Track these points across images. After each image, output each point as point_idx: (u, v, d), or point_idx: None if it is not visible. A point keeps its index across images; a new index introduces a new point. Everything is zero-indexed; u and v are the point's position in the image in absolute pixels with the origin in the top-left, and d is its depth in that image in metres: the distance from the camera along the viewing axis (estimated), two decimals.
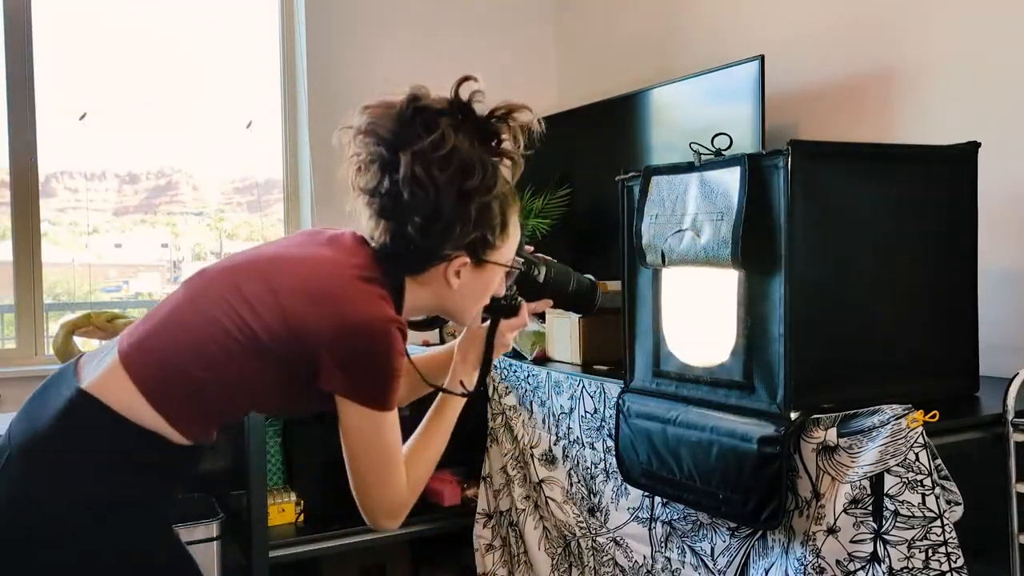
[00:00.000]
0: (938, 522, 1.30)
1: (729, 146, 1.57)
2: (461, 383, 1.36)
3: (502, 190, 1.23)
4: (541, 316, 2.41)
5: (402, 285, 1.26)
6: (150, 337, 1.21)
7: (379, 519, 1.25)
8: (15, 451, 1.18)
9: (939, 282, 1.62)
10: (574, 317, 2.25)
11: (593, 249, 2.87)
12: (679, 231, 1.60)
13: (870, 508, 1.33)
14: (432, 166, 1.16)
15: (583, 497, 2.09)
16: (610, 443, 1.94)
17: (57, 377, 1.28)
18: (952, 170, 1.63)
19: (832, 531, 1.37)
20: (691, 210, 1.59)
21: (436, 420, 1.34)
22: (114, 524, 1.17)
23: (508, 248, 1.30)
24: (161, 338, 1.20)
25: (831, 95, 2.34)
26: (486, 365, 1.37)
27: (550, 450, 2.23)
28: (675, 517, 1.77)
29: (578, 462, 2.11)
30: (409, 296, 1.27)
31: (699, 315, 1.64)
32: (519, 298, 1.38)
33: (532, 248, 1.41)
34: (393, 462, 1.23)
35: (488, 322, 1.37)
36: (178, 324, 1.21)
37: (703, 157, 1.59)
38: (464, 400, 1.36)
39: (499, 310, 1.36)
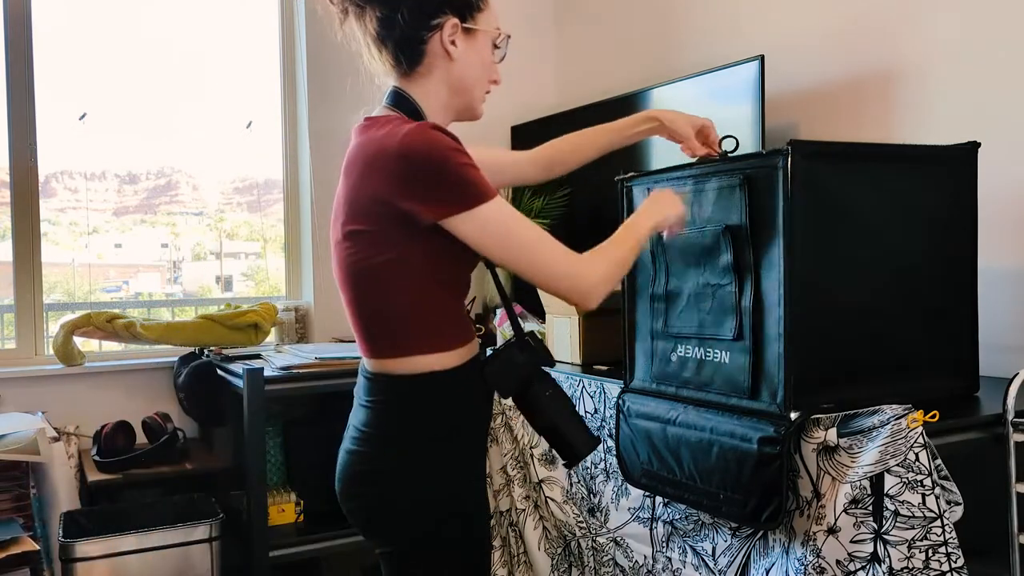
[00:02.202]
0: (938, 522, 1.30)
1: (735, 148, 1.57)
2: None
3: None
4: (541, 315, 2.41)
5: (411, 99, 1.30)
6: (351, 316, 1.33)
7: (577, 295, 1.25)
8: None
9: (939, 282, 1.62)
10: (574, 317, 2.25)
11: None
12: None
13: (870, 508, 1.33)
14: None
15: (583, 497, 2.09)
16: (610, 443, 1.94)
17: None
18: (952, 170, 1.63)
19: (832, 531, 1.37)
20: (692, 214, 1.59)
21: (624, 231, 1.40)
22: (450, 449, 1.32)
23: (490, 16, 1.34)
24: (351, 311, 1.33)
25: (831, 95, 2.34)
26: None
27: (550, 450, 2.24)
28: (676, 517, 1.77)
29: None
30: (422, 96, 1.32)
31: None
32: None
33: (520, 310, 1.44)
34: (536, 237, 1.23)
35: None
36: (346, 292, 1.33)
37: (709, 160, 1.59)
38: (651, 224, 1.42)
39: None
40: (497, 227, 1.20)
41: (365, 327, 1.32)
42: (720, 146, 1.63)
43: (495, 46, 1.35)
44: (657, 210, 1.45)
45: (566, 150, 1.63)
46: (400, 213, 1.20)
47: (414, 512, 1.29)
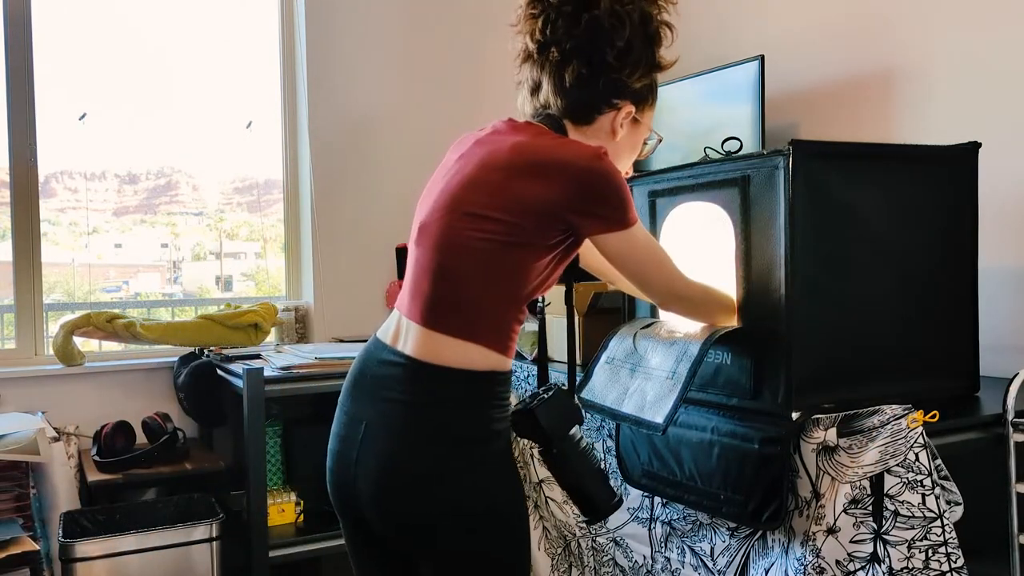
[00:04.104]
0: (938, 522, 1.30)
1: (739, 149, 1.57)
2: None
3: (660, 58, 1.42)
4: (541, 317, 2.41)
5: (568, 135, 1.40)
6: (430, 295, 1.32)
7: (713, 312, 1.46)
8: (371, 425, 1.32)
9: (939, 282, 1.62)
10: (574, 317, 2.24)
11: None
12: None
13: (870, 508, 1.33)
14: (625, 4, 1.35)
15: None
16: (610, 443, 1.94)
17: (369, 357, 1.39)
18: (952, 170, 1.63)
19: (832, 531, 1.37)
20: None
21: None
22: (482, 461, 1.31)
23: (652, 116, 1.48)
24: (440, 289, 1.31)
25: (831, 95, 2.34)
26: None
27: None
28: (675, 517, 1.77)
29: None
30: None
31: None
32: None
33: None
34: (669, 259, 1.41)
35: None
36: (444, 272, 1.31)
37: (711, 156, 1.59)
38: None
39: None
40: (639, 244, 1.36)
41: (437, 300, 1.31)
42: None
43: (644, 142, 1.49)
44: None
45: None
46: (559, 221, 1.29)
47: (485, 516, 1.30)
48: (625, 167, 1.49)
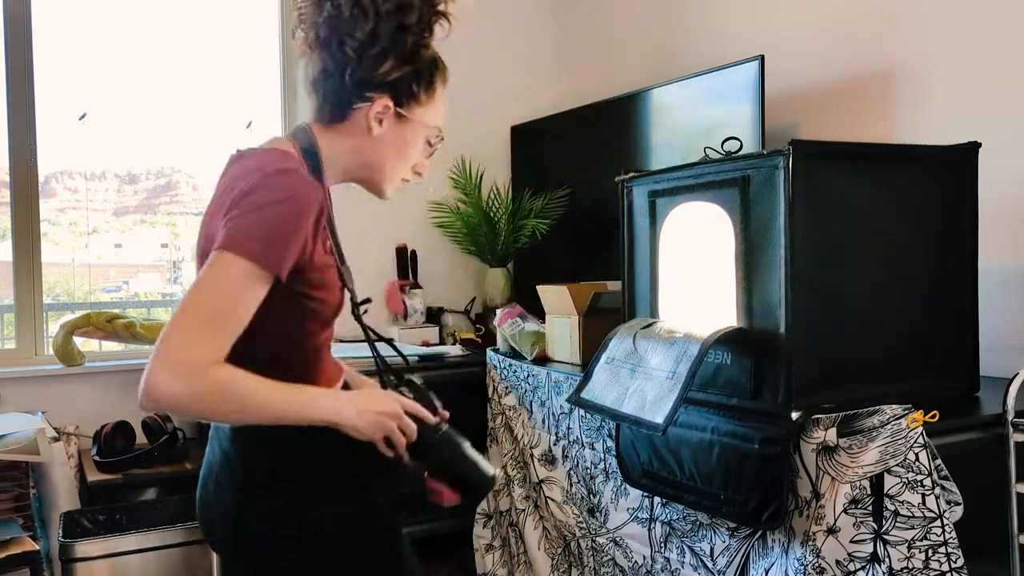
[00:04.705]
0: (938, 522, 1.31)
1: (739, 149, 1.57)
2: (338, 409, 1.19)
3: (435, 51, 1.30)
4: (541, 315, 2.41)
5: (314, 143, 1.27)
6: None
7: (154, 366, 1.02)
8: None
9: (939, 282, 1.62)
10: (574, 317, 2.25)
11: (592, 249, 2.87)
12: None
13: (870, 508, 1.34)
14: None
15: (583, 497, 2.09)
16: (610, 443, 1.94)
17: None
18: (952, 170, 1.63)
19: (832, 531, 1.37)
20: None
21: (300, 388, 1.18)
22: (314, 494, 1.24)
23: (431, 113, 1.32)
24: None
25: (831, 95, 2.34)
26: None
27: (550, 450, 2.24)
28: (674, 517, 1.77)
29: (578, 462, 2.11)
30: (327, 149, 1.28)
31: (699, 315, 1.64)
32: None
33: (447, 416, 1.30)
34: (210, 313, 1.06)
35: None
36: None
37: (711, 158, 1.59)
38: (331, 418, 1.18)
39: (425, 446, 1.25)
40: (211, 277, 1.08)
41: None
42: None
43: (428, 142, 1.34)
44: (353, 408, 1.18)
45: None
46: None
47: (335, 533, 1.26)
48: (398, 172, 1.34)
